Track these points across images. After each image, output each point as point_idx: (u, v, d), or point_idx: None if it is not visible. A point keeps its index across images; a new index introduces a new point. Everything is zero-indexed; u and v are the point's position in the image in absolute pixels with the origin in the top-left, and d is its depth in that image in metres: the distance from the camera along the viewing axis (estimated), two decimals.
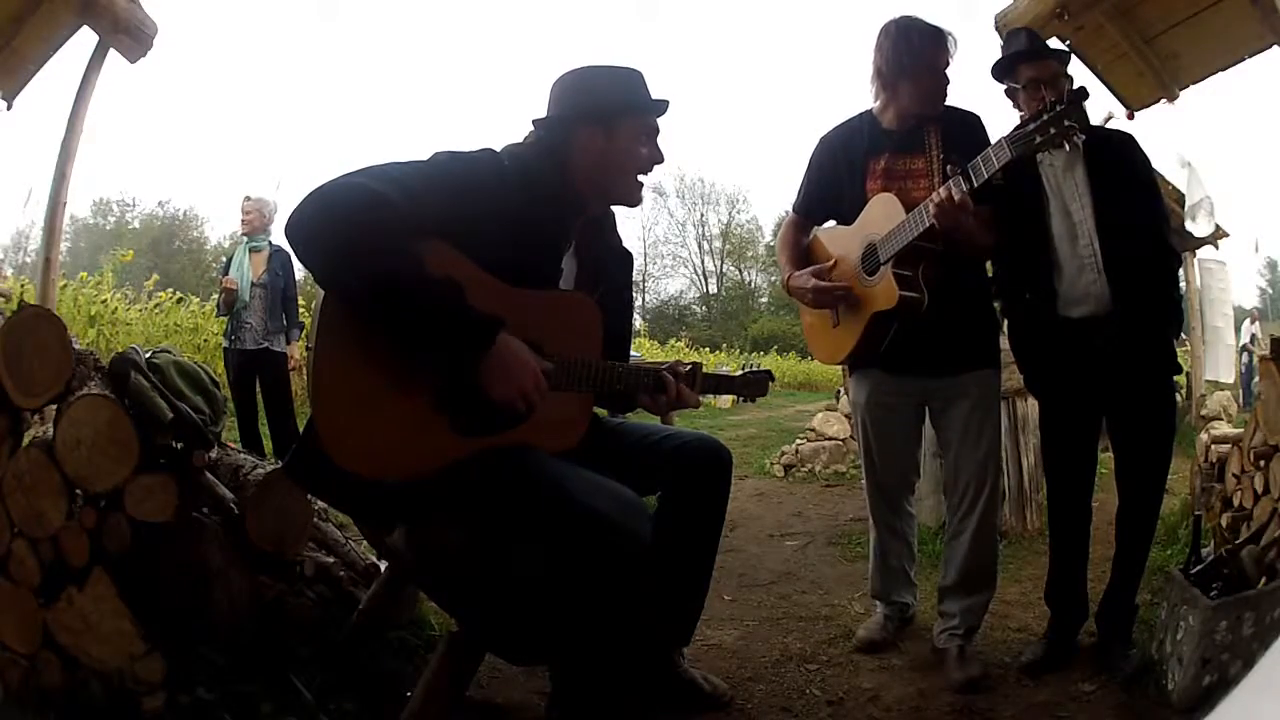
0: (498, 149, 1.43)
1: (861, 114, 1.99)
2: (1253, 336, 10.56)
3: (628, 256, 1.69)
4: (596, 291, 1.51)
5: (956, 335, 1.88)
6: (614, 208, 1.59)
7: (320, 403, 1.18)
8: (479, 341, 1.20)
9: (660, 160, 1.49)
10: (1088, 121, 1.57)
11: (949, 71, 1.86)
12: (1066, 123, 1.53)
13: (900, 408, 2.02)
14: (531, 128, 1.48)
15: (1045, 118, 1.56)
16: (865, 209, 1.88)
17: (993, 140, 1.69)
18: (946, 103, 1.90)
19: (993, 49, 2.01)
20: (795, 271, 2.00)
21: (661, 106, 1.48)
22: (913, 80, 1.84)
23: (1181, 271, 2.32)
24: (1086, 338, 1.85)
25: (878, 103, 1.95)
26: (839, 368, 2.55)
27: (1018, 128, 1.60)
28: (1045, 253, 1.89)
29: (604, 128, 1.42)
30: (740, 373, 1.74)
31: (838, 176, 1.98)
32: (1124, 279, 1.81)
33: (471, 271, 1.26)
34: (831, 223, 2.05)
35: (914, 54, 1.83)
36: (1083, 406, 1.94)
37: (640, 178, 1.48)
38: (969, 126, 1.91)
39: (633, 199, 1.50)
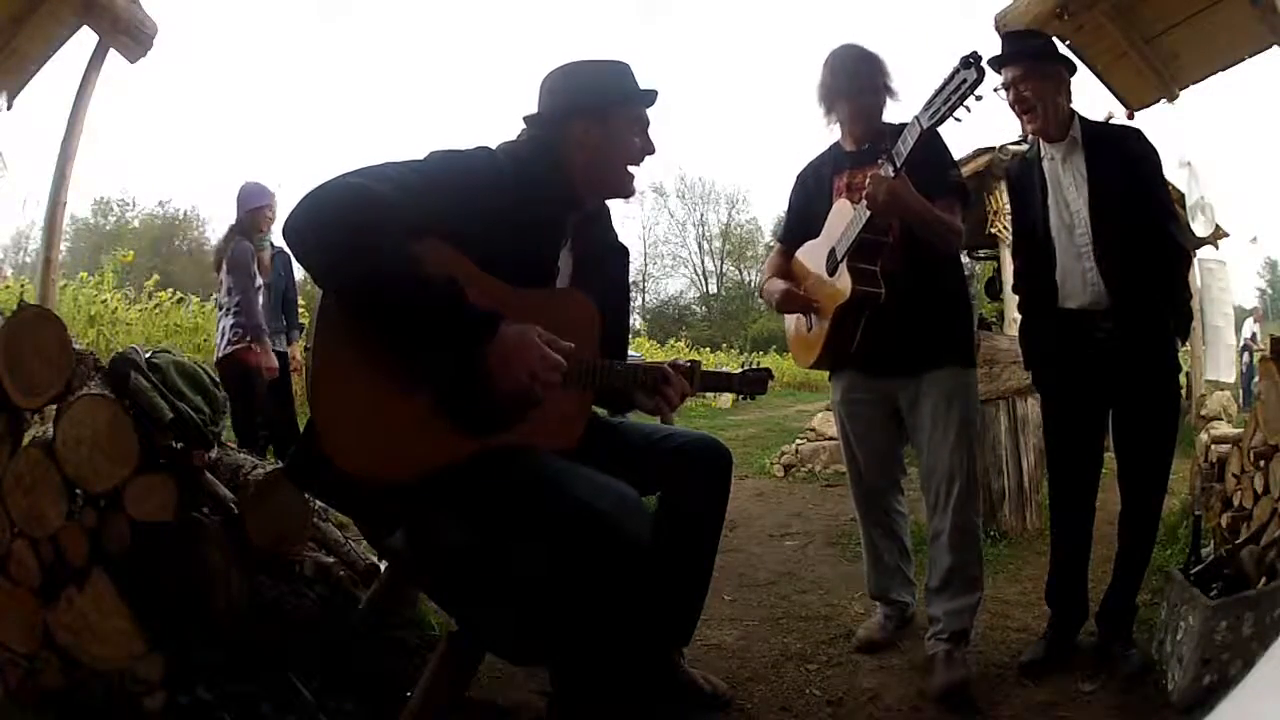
0: (493, 147, 1.43)
1: (830, 145, 2.12)
2: (1254, 334, 10.54)
3: (624, 251, 1.69)
4: (593, 288, 1.51)
5: (923, 335, 1.92)
6: (610, 203, 1.60)
7: (319, 403, 1.18)
8: (479, 336, 1.19)
9: (652, 151, 1.50)
10: (980, 78, 1.60)
11: (891, 85, 1.97)
12: (965, 86, 1.58)
13: (874, 406, 2.06)
14: (523, 125, 1.48)
15: (945, 85, 1.62)
16: (828, 219, 1.99)
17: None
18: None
19: (993, 48, 2.01)
20: (770, 278, 2.15)
21: (650, 97, 1.49)
22: (844, 100, 1.98)
23: None
24: (1085, 329, 1.86)
25: (834, 130, 2.09)
26: None
27: (926, 102, 1.66)
28: (1046, 246, 1.91)
29: (595, 120, 1.43)
30: (739, 371, 1.75)
31: (810, 202, 2.10)
32: (1119, 271, 1.82)
33: (468, 270, 1.26)
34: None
35: (835, 78, 1.97)
36: (1086, 402, 1.94)
37: (632, 169, 1.49)
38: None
39: (625, 190, 1.51)
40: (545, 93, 1.48)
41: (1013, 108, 1.88)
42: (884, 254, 1.86)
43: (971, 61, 1.58)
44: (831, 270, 1.93)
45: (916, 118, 1.68)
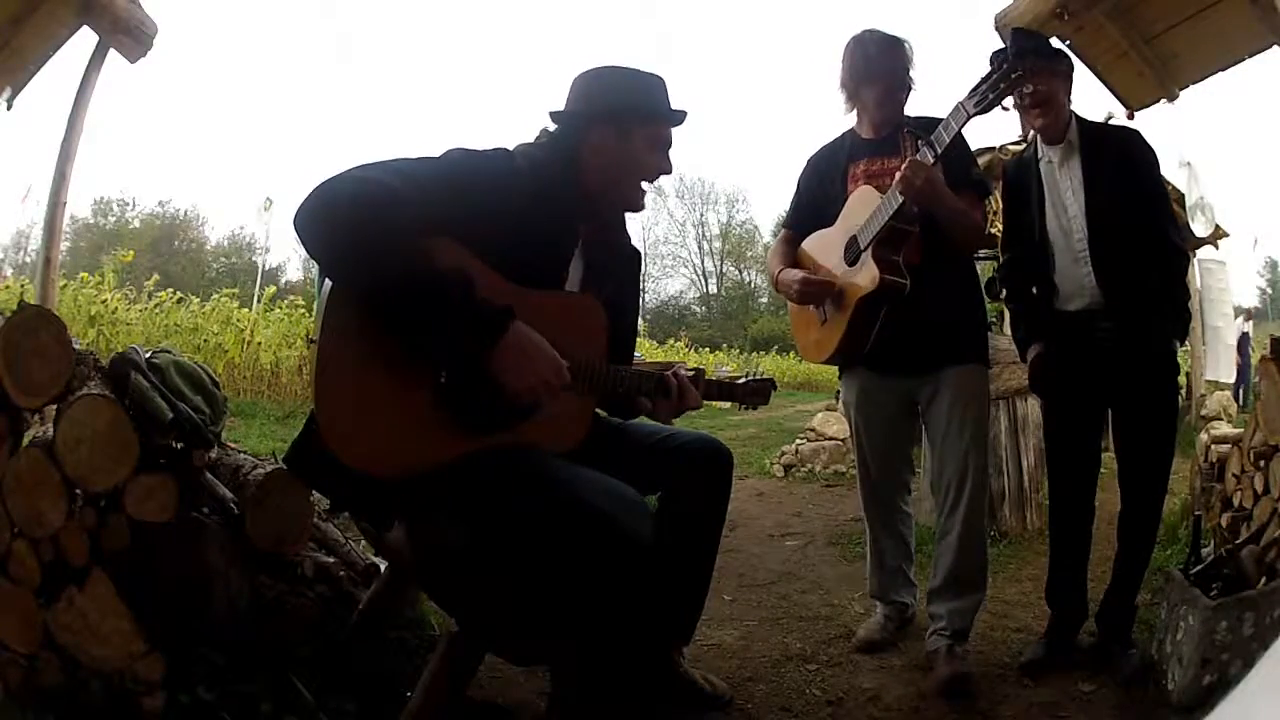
0: (511, 148, 1.42)
1: (844, 133, 2.07)
2: (1245, 335, 10.44)
3: (635, 255, 1.68)
4: (603, 292, 1.50)
5: (940, 332, 1.89)
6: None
7: (323, 396, 1.18)
8: (490, 330, 1.19)
9: (668, 171, 1.49)
10: (1029, 71, 1.61)
11: (913, 75, 1.94)
12: (1014, 75, 1.56)
13: (888, 406, 2.03)
14: (548, 118, 1.47)
15: (995, 74, 1.59)
16: (845, 206, 1.92)
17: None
18: (926, 113, 1.93)
19: (993, 48, 2.01)
20: (784, 268, 2.04)
21: (677, 117, 1.48)
22: (871, 84, 1.93)
23: None
24: (1084, 331, 1.86)
25: (851, 115, 2.04)
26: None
27: (972, 89, 1.63)
28: (1043, 248, 1.91)
29: (615, 130, 1.42)
30: (743, 380, 1.73)
31: (823, 188, 2.04)
32: (1116, 272, 1.82)
33: (478, 269, 1.25)
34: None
35: (869, 60, 1.92)
36: (1085, 403, 1.94)
37: (644, 185, 1.48)
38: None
39: (635, 204, 1.50)
40: (574, 91, 1.46)
41: (1021, 101, 1.85)
42: (909, 245, 1.80)
43: (1021, 52, 1.57)
44: (853, 260, 1.85)
45: (961, 105, 1.64)
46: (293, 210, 1.16)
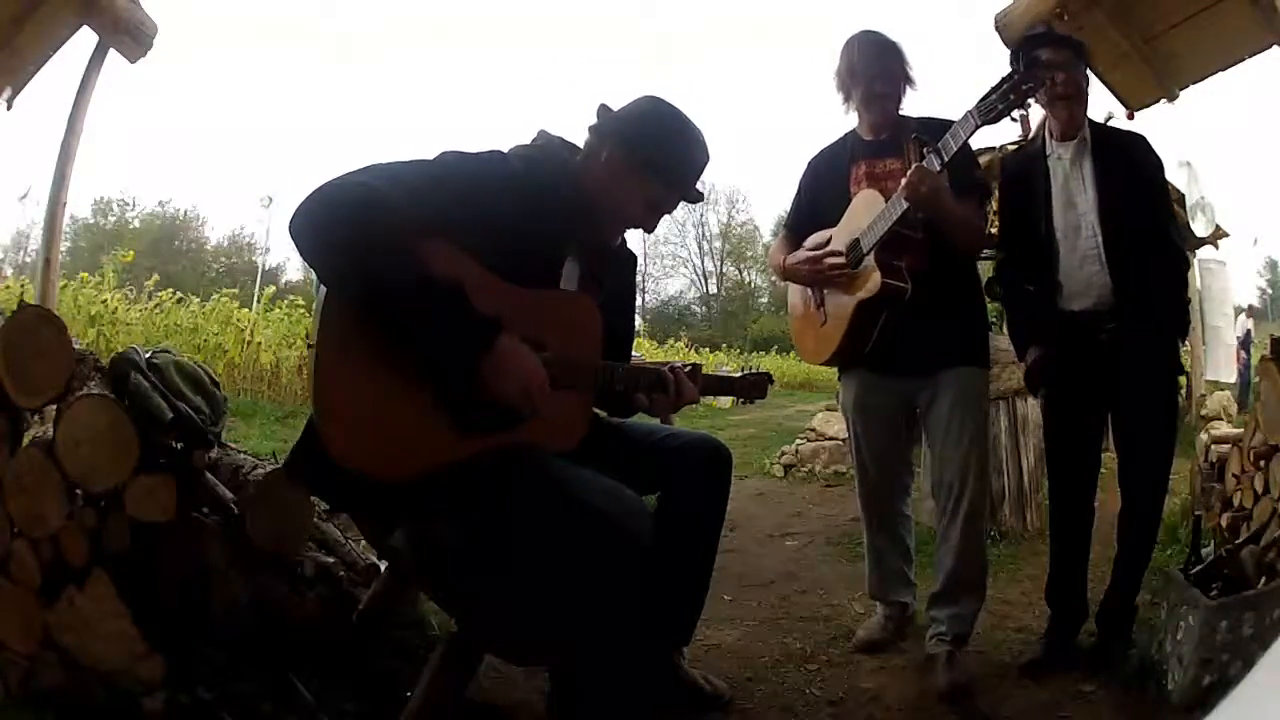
0: (505, 150, 1.42)
1: (845, 134, 2.07)
2: (1248, 331, 10.43)
3: (631, 258, 1.70)
4: (600, 294, 1.51)
5: (940, 334, 1.88)
6: None
7: (321, 400, 1.18)
8: (478, 342, 1.20)
9: (648, 230, 1.51)
10: (1042, 82, 1.60)
11: (912, 75, 1.95)
12: (1026, 86, 1.56)
13: (887, 408, 2.03)
14: (595, 112, 1.46)
15: (1005, 85, 1.58)
16: (849, 208, 1.92)
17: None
18: (928, 114, 1.93)
19: (992, 47, 2.02)
20: (789, 254, 2.04)
21: (693, 197, 1.49)
22: (864, 87, 1.93)
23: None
24: (1089, 331, 1.86)
25: (851, 116, 2.04)
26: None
27: (982, 99, 1.62)
28: (1048, 246, 1.90)
29: (629, 166, 1.41)
30: (740, 374, 1.74)
31: (824, 190, 2.04)
32: (1127, 273, 1.82)
33: (473, 270, 1.26)
34: None
35: (854, 63, 1.93)
36: (1085, 403, 1.93)
37: (622, 227, 1.51)
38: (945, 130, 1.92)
39: (604, 238, 1.52)
40: (631, 105, 1.46)
41: (1049, 92, 1.82)
42: (911, 250, 1.81)
43: (1034, 63, 1.58)
44: (855, 263, 1.86)
45: (970, 113, 1.63)
46: (291, 212, 1.16)
